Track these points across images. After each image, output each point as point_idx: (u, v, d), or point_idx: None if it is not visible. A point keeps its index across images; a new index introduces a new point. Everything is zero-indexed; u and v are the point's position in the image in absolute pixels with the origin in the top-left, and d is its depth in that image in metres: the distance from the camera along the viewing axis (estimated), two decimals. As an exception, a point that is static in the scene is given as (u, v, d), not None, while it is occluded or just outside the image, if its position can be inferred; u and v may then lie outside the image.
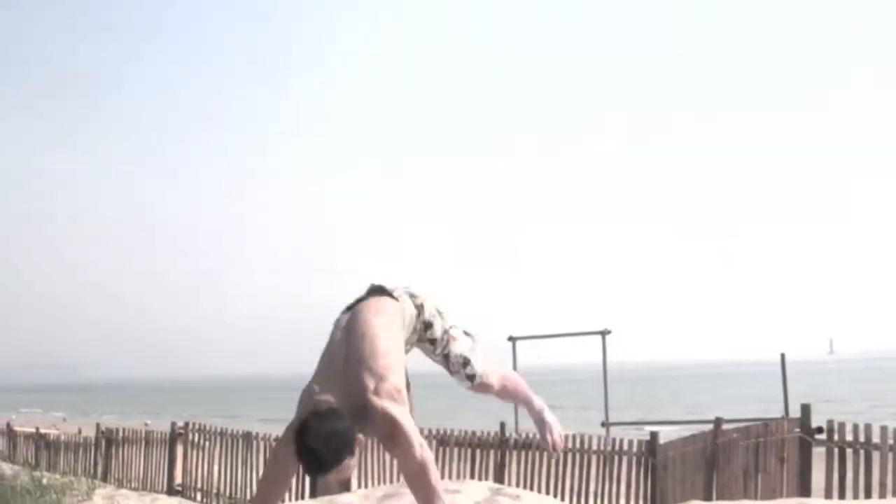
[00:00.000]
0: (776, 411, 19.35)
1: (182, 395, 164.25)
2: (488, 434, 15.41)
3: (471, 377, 5.71)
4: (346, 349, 5.05)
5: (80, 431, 27.40)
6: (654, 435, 13.84)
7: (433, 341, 5.71)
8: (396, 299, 5.45)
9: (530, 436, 14.90)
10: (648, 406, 75.49)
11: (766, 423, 13.56)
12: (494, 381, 5.85)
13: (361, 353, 4.97)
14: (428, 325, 5.70)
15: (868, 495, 11.73)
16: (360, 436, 4.70)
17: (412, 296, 5.65)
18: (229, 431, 18.32)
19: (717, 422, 13.69)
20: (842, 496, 11.88)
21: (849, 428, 12.28)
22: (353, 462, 4.86)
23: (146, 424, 63.70)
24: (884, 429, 12.07)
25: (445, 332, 5.73)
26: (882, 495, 11.49)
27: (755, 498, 12.07)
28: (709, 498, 12.76)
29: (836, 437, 12.32)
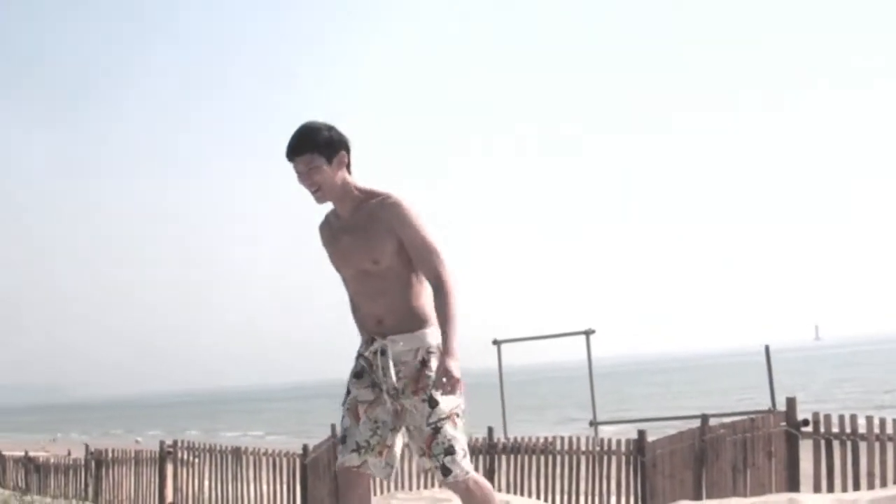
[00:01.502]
0: (763, 402, 19.37)
1: (167, 411, 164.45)
2: (476, 439, 15.41)
3: (446, 469, 5.09)
4: None
5: (69, 453, 27.34)
6: (641, 433, 13.87)
7: (431, 401, 5.11)
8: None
9: (519, 440, 14.93)
10: (635, 402, 75.72)
11: (753, 417, 13.59)
12: (479, 494, 5.23)
13: None
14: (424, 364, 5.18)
15: (857, 486, 11.77)
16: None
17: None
18: (218, 448, 18.32)
19: (704, 418, 13.72)
20: (830, 489, 11.93)
21: (834, 420, 12.30)
22: (328, 168, 5.06)
23: (137, 442, 63.79)
24: (869, 419, 12.10)
25: (453, 405, 5.17)
26: (870, 486, 11.53)
27: (745, 493, 12.11)
28: (698, 494, 12.82)
29: (822, 429, 12.35)
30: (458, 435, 5.13)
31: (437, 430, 5.08)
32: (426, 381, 5.10)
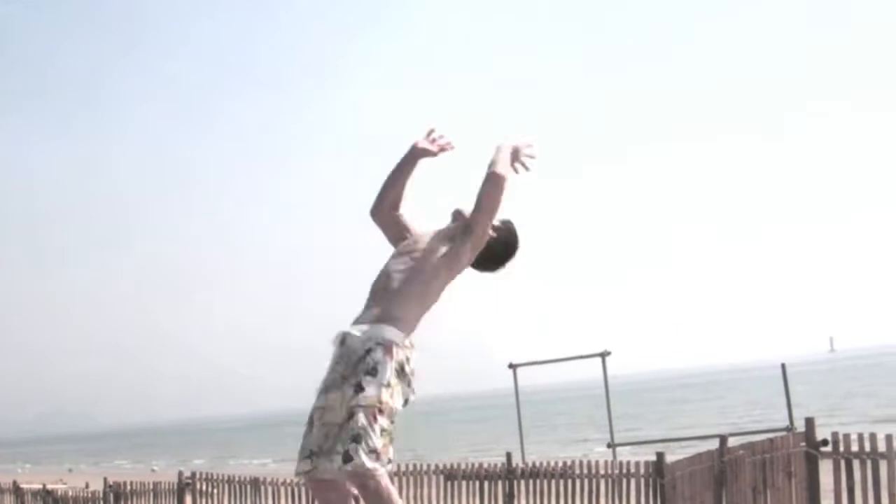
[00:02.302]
0: (780, 419, 19.31)
1: (168, 440, 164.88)
2: (495, 465, 15.41)
3: (346, 457, 4.83)
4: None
5: (87, 485, 27.33)
6: (660, 455, 13.83)
7: (357, 387, 4.96)
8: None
9: (537, 464, 14.91)
10: (651, 420, 75.44)
11: (772, 438, 13.55)
12: (383, 488, 4.90)
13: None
14: (373, 370, 5.00)
15: (878, 505, 11.75)
16: None
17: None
18: (237, 478, 18.28)
19: (723, 439, 13.69)
20: (852, 508, 11.89)
21: (854, 438, 12.27)
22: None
23: (153, 471, 63.78)
24: (889, 437, 12.06)
25: (380, 398, 4.96)
26: (892, 504, 11.51)
27: (766, 515, 12.07)
28: (719, 516, 12.78)
29: (841, 448, 12.32)
30: (371, 429, 4.87)
31: (351, 415, 4.89)
32: (362, 366, 4.98)
